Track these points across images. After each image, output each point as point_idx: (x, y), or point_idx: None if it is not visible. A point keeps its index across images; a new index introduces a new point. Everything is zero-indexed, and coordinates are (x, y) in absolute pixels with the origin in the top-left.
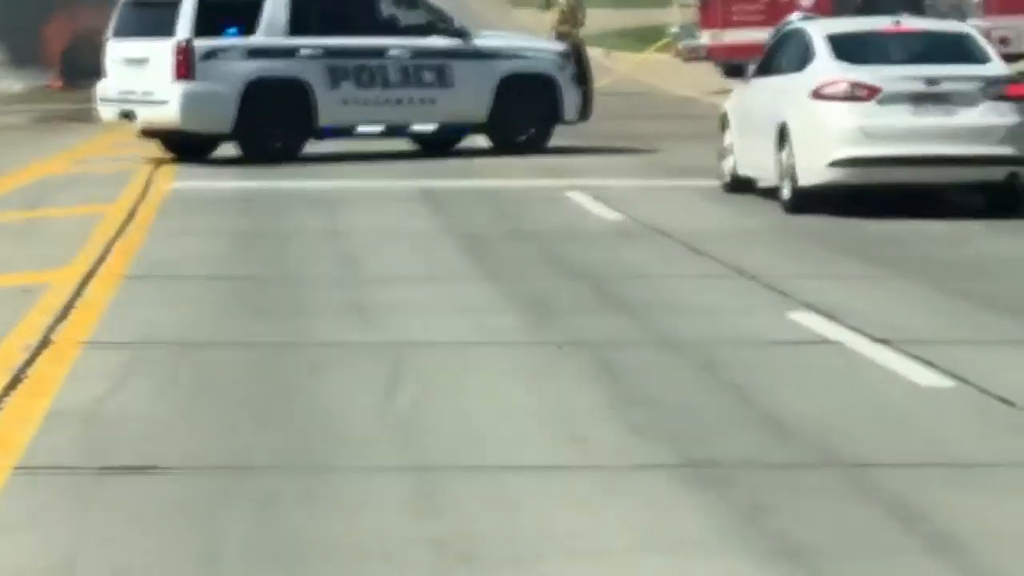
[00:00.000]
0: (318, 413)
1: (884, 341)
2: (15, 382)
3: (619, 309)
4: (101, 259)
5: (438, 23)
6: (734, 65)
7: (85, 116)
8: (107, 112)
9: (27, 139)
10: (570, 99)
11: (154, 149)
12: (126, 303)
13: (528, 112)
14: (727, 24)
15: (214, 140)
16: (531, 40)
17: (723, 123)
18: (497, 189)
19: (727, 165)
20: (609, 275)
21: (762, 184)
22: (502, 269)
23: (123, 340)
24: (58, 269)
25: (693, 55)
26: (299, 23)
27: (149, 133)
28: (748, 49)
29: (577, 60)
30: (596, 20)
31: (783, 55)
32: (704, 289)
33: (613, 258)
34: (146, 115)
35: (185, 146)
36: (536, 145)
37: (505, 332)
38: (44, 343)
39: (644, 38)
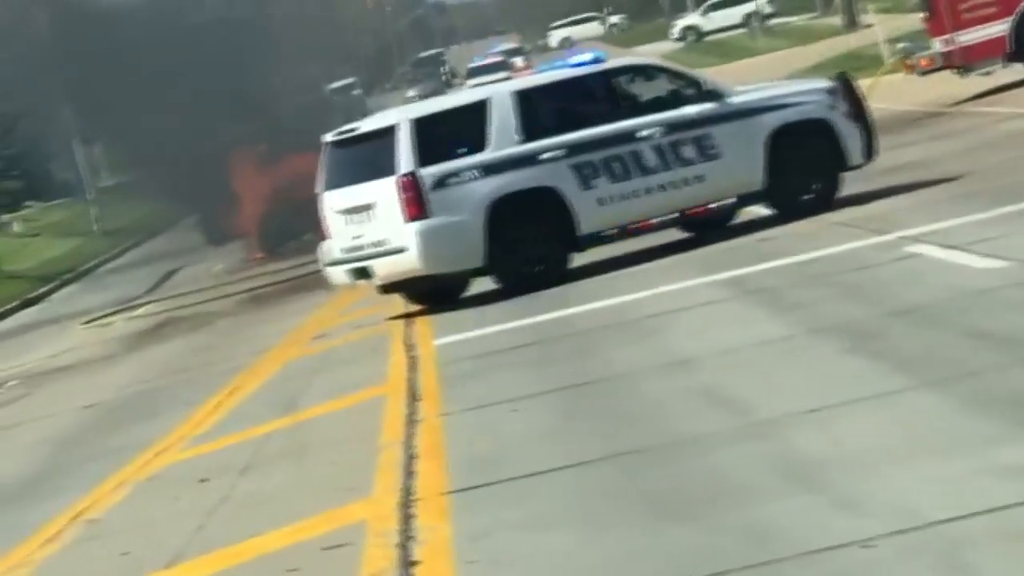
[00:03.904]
0: None
1: None
2: None
3: None
4: (408, 472)
5: (685, 89)
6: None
7: (300, 286)
8: (338, 275)
9: (246, 324)
10: (852, 141)
11: (395, 304)
12: (478, 537)
13: (809, 166)
14: (958, 26)
15: (465, 278)
16: (791, 84)
17: None
18: (817, 262)
19: None
20: None
21: None
22: (929, 369)
23: None
24: (361, 502)
25: (930, 66)
26: (531, 125)
27: (390, 288)
28: (986, 46)
29: (848, 94)
30: (780, 64)
31: None
32: None
33: None
34: (383, 269)
35: (433, 292)
36: (824, 201)
37: None
38: None
39: (851, 67)
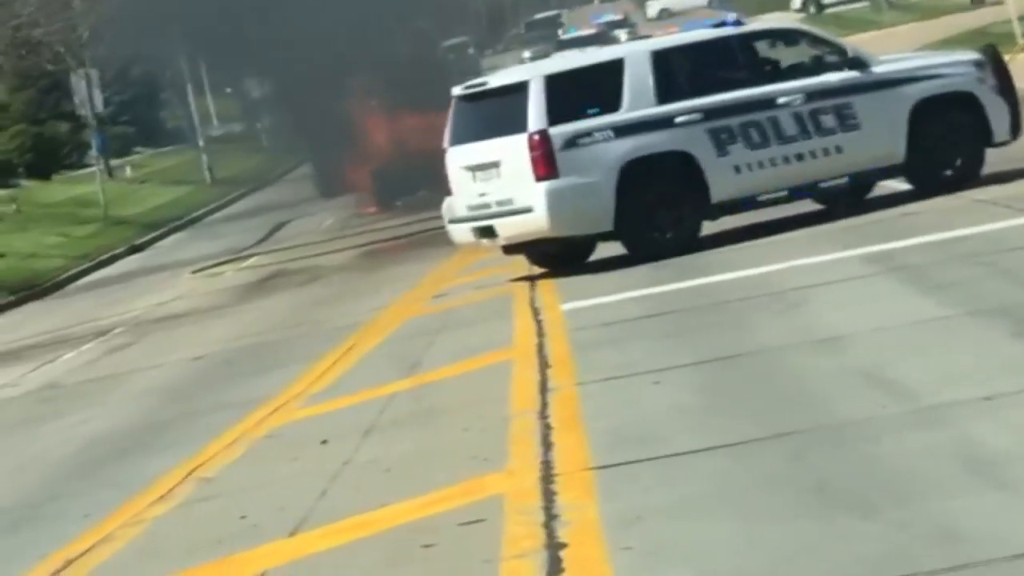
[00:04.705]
0: None
1: None
2: None
3: None
4: (546, 444)
5: (828, 56)
6: None
7: (415, 243)
8: (460, 233)
9: (360, 280)
10: (998, 116)
11: (518, 265)
12: (629, 521)
13: (952, 140)
14: None
15: (591, 242)
16: (938, 55)
17: None
18: (965, 241)
19: None
20: None
21: None
22: None
23: None
24: (497, 473)
25: None
26: (668, 86)
27: (513, 248)
28: None
29: (996, 67)
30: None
31: None
32: None
33: None
34: (508, 228)
35: (558, 255)
36: (967, 178)
37: None
38: None
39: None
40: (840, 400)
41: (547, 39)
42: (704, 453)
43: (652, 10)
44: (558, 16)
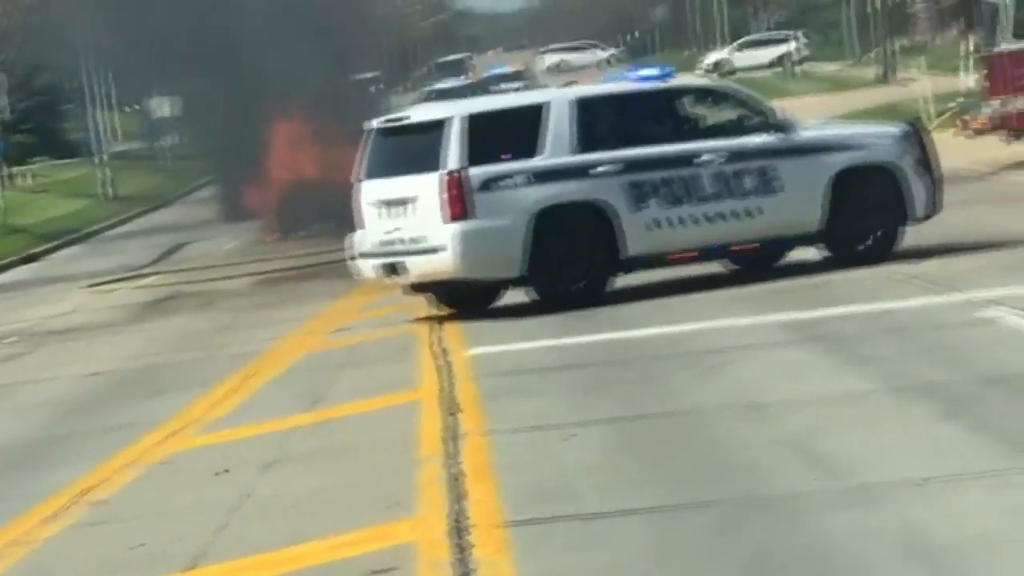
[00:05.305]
0: None
1: None
2: None
3: None
4: (457, 493)
5: (754, 117)
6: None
7: (315, 275)
8: (366, 269)
9: (260, 307)
10: (918, 192)
11: (421, 305)
12: None
13: (871, 212)
14: (1017, 90)
15: (499, 287)
16: (862, 126)
17: None
18: (886, 315)
19: None
20: None
21: None
22: None
23: None
24: (407, 520)
25: (983, 126)
26: (589, 135)
27: (419, 288)
28: None
29: (920, 142)
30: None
31: None
32: None
33: None
34: (417, 267)
35: (464, 298)
36: (884, 251)
37: None
38: None
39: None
40: (766, 471)
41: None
42: (626, 516)
43: (547, 63)
44: (468, 58)
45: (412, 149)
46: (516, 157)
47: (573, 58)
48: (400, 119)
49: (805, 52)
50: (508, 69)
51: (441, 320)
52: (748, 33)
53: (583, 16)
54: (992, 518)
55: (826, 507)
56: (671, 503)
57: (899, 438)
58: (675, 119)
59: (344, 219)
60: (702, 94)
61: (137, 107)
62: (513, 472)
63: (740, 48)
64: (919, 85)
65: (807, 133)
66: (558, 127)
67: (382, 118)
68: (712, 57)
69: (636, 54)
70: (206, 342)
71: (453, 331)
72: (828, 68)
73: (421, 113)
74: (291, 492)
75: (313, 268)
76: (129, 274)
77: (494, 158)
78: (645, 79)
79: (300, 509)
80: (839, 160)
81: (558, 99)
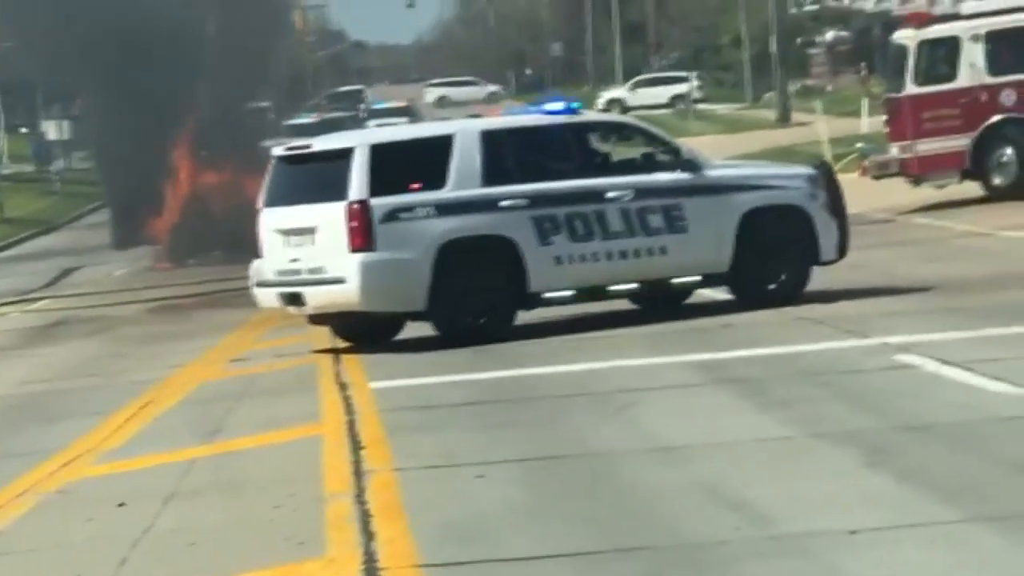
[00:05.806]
0: None
1: None
2: None
3: None
4: (367, 533)
5: (662, 154)
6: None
7: (209, 303)
8: (266, 298)
9: (153, 335)
10: (827, 234)
11: (321, 336)
12: None
13: (779, 254)
14: (919, 135)
15: (401, 320)
16: (772, 167)
17: None
18: (798, 358)
19: None
20: None
21: None
22: (975, 500)
23: None
24: (317, 560)
25: (884, 171)
26: (496, 168)
27: (319, 319)
28: (945, 159)
29: (829, 184)
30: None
31: None
32: None
33: None
34: (317, 298)
35: (365, 330)
36: (791, 293)
37: None
38: None
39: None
40: (687, 517)
41: (347, 112)
42: (545, 560)
43: (430, 97)
44: (361, 91)
45: (315, 178)
46: (422, 189)
47: (456, 92)
48: (303, 147)
49: (699, 93)
50: (394, 104)
51: (343, 351)
52: (643, 72)
53: (474, 52)
54: (926, 571)
55: (753, 556)
56: (590, 549)
57: (824, 486)
58: (584, 153)
59: (237, 247)
60: (611, 129)
61: (26, 130)
62: (424, 511)
63: (635, 87)
64: (819, 127)
65: (716, 172)
66: (464, 159)
67: (285, 145)
68: (607, 95)
69: (528, 90)
70: (101, 369)
71: (354, 364)
72: (723, 110)
73: (325, 142)
74: (193, 527)
75: (208, 296)
76: (18, 298)
77: (399, 189)
78: (552, 113)
79: (203, 545)
80: (748, 200)
81: (465, 131)
